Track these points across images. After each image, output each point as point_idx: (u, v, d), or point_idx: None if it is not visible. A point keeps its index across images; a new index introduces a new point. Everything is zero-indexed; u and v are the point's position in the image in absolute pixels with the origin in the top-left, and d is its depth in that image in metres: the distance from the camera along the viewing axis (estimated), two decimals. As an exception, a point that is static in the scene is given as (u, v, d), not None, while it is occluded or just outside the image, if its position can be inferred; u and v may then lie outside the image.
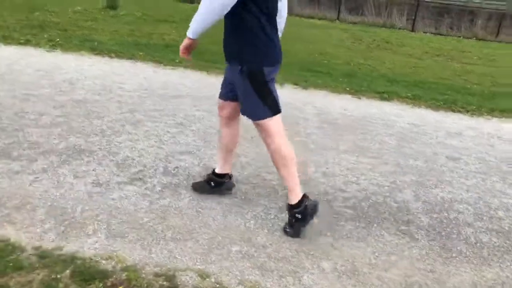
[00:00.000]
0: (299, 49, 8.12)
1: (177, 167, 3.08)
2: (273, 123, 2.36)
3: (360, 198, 2.97)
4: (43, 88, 4.34)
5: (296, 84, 5.62)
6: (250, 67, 2.27)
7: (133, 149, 3.28)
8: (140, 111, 4.06)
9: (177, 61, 5.88)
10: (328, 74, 6.52)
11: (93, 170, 2.91)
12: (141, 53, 6.18)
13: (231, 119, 2.60)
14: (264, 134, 2.39)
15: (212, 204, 2.68)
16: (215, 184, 2.77)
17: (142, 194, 2.69)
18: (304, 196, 2.45)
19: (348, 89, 5.69)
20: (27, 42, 6.04)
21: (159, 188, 2.78)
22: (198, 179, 2.89)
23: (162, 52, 6.47)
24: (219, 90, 2.61)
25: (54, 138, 3.30)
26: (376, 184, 3.20)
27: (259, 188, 2.95)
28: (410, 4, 16.03)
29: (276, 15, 2.32)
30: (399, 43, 10.92)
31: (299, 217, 2.43)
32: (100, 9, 9.81)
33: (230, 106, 2.55)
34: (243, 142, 3.36)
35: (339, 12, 16.53)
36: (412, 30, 14.89)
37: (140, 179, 2.87)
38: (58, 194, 2.59)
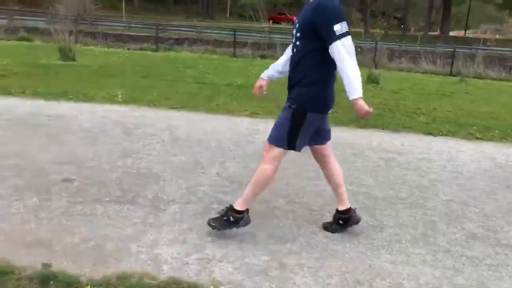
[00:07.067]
0: None
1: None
2: (280, 152, 2.60)
3: None
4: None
5: None
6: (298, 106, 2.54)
7: None
8: None
9: None
10: None
11: None
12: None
13: (326, 159, 2.81)
14: (268, 155, 2.61)
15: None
16: (344, 222, 2.84)
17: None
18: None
19: None
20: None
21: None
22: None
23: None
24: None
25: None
26: None
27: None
28: None
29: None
30: None
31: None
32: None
33: (317, 150, 2.79)
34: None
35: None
36: None
37: None
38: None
